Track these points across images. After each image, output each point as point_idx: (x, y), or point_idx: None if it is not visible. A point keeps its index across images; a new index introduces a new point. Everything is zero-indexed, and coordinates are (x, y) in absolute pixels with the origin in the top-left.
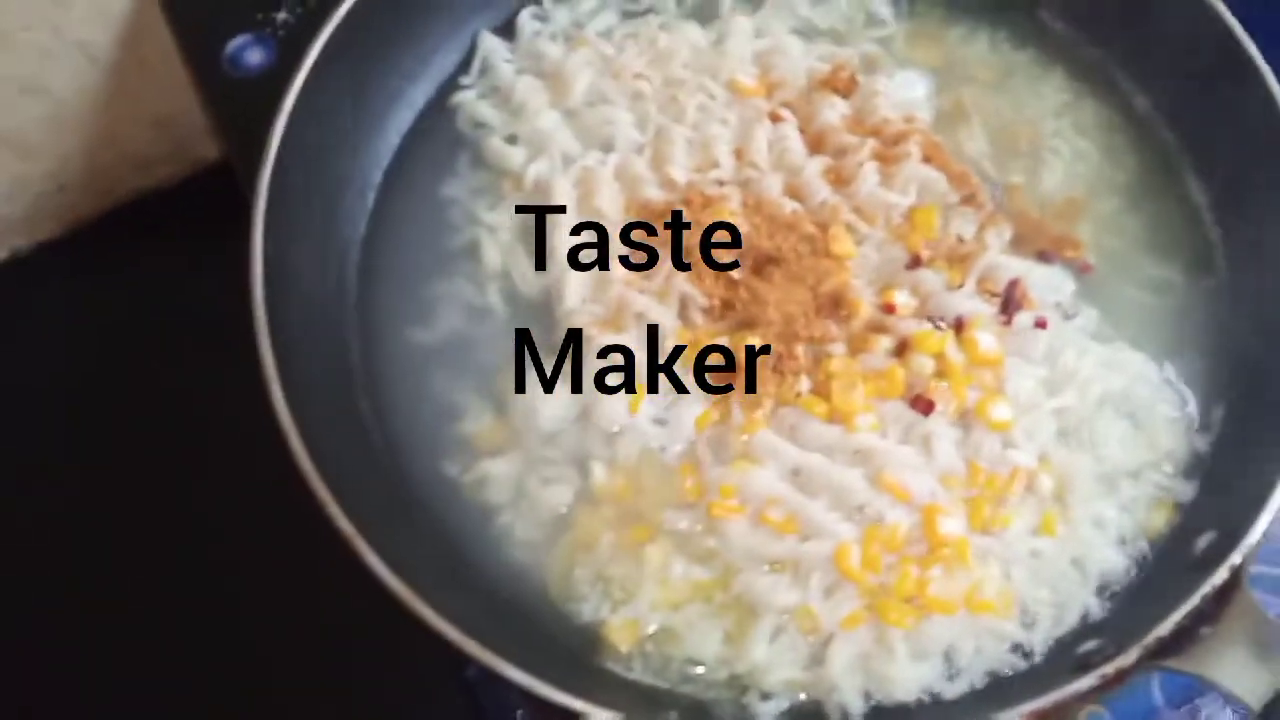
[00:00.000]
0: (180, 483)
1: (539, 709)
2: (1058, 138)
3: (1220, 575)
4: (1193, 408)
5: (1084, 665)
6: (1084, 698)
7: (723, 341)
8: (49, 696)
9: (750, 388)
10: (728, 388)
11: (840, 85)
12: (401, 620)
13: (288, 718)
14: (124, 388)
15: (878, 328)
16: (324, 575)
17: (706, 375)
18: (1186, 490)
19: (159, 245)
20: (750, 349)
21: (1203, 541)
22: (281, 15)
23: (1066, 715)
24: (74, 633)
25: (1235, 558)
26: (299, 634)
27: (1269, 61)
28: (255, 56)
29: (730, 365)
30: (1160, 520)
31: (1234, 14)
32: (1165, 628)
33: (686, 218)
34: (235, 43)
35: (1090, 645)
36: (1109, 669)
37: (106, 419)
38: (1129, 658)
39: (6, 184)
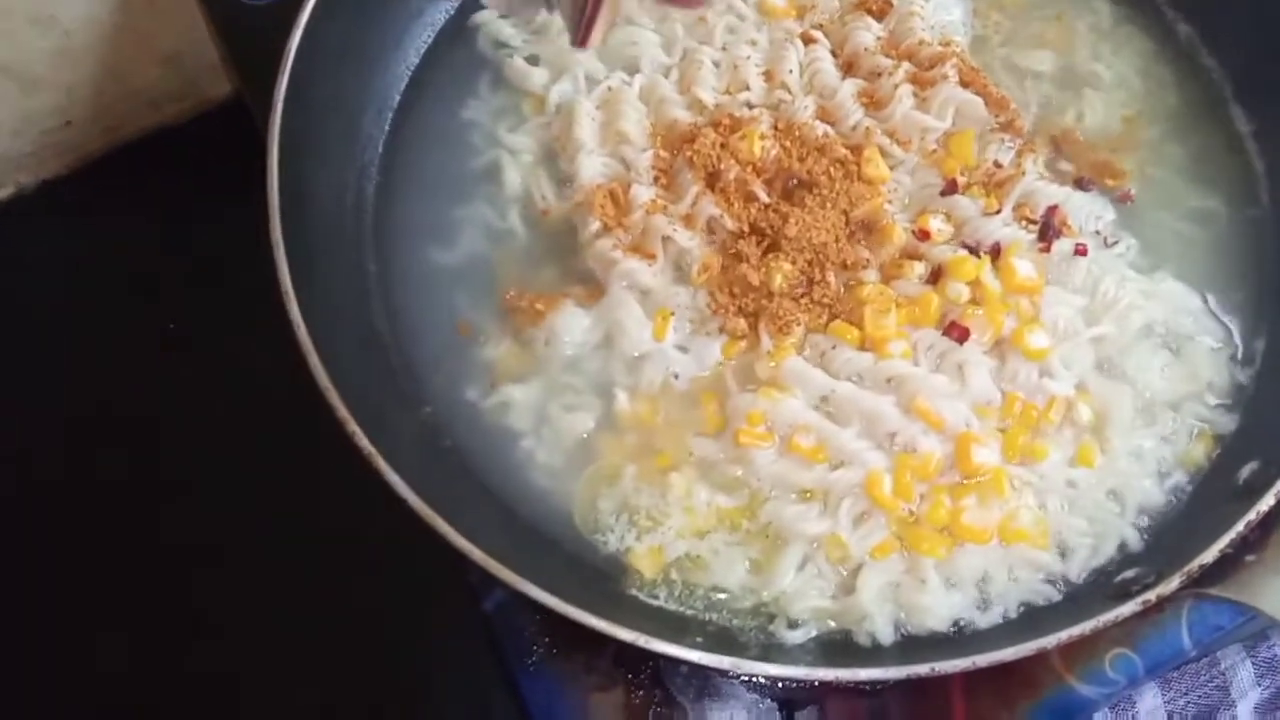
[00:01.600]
0: (194, 415)
1: (558, 640)
2: (1099, 63)
3: (1266, 502)
4: (1235, 339)
5: (1123, 593)
6: (1109, 635)
7: (752, 266)
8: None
9: (779, 315)
10: (756, 314)
11: (874, 7)
12: (419, 553)
13: (306, 655)
14: (128, 326)
15: (912, 254)
16: (341, 504)
17: (734, 301)
18: (1228, 422)
19: (166, 183)
20: (780, 273)
21: (1246, 471)
22: None
23: (1095, 656)
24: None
25: None
26: (319, 566)
27: None
28: None
29: (759, 291)
30: (1200, 452)
31: None
32: (1209, 555)
33: (715, 140)
34: None
35: (1130, 574)
36: (1150, 595)
37: (112, 357)
38: (1171, 585)
39: (12, 119)
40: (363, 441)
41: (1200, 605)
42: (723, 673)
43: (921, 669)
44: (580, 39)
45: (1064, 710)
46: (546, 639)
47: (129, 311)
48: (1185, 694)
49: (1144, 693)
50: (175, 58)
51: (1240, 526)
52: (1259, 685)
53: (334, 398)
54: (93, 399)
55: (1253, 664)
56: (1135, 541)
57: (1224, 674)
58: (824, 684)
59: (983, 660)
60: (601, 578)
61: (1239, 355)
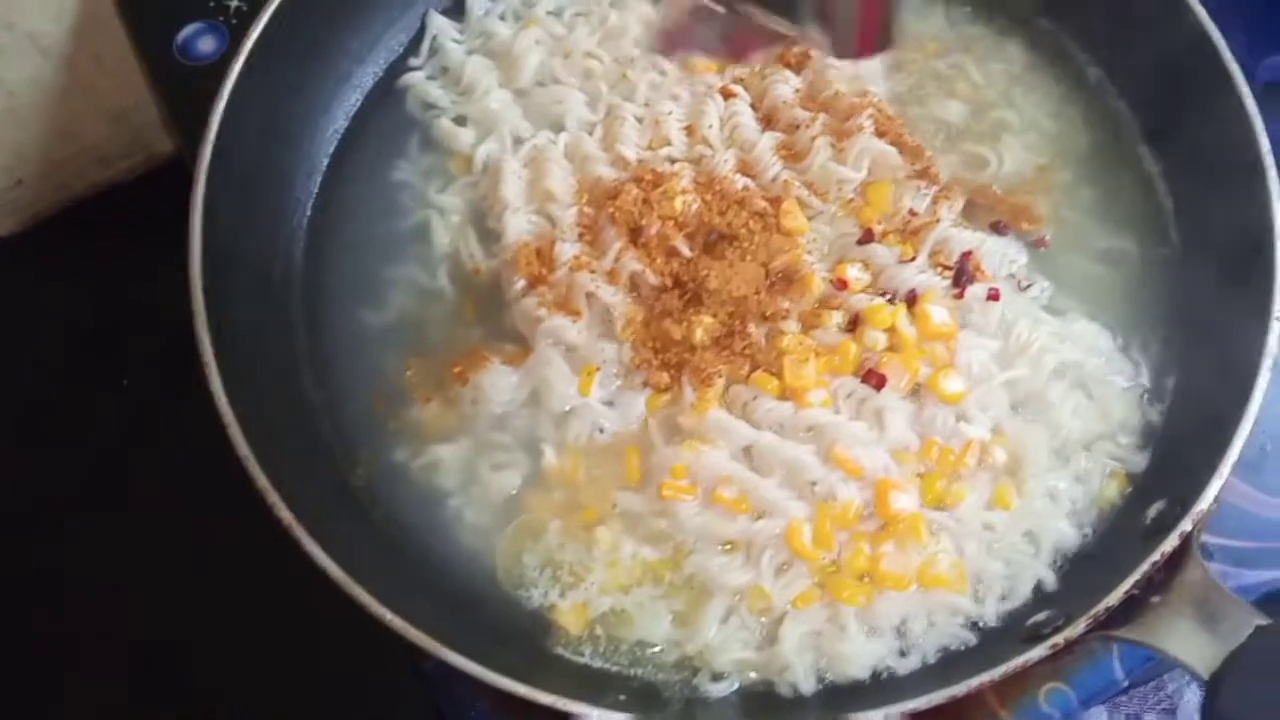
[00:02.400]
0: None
1: (496, 701)
2: (1011, 108)
3: (1170, 543)
4: (1145, 378)
5: (1034, 636)
6: (1040, 671)
7: (675, 320)
8: None
9: (702, 367)
10: (679, 367)
11: (792, 60)
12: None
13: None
14: (83, 382)
15: (830, 303)
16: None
17: (657, 355)
18: (1139, 460)
19: (118, 239)
20: (701, 327)
21: (1153, 510)
22: (234, 3)
23: (1027, 691)
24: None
25: (1185, 524)
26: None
27: (1221, 31)
28: (207, 44)
29: (681, 344)
30: (1113, 490)
31: None
32: (1114, 597)
33: (638, 196)
34: (187, 31)
35: (1041, 616)
36: (1059, 639)
37: (65, 412)
38: (1077, 628)
39: None
40: (283, 513)
41: None
42: None
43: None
44: (858, 49)
45: None
46: (484, 698)
47: (90, 362)
48: (1134, 717)
49: (1091, 716)
50: (124, 115)
51: (1145, 568)
52: None
53: (254, 467)
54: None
55: (1199, 687)
56: (1050, 582)
57: (1170, 697)
58: None
59: (899, 708)
60: (526, 636)
61: (1149, 394)
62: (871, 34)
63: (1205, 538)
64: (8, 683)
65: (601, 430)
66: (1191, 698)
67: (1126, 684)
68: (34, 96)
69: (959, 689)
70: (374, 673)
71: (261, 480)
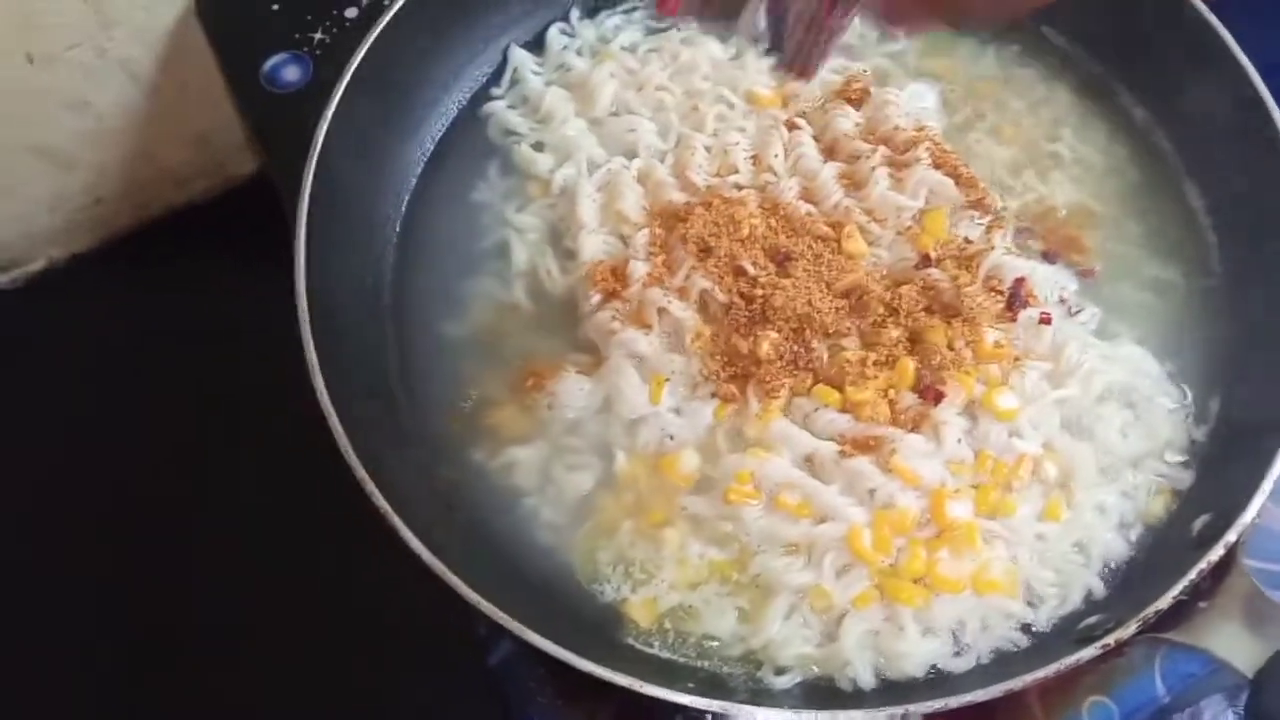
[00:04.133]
0: (211, 486)
1: (561, 692)
2: (1061, 145)
3: (1216, 553)
4: (1190, 400)
5: (1086, 639)
6: (1084, 684)
7: (741, 336)
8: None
9: (766, 380)
10: (745, 379)
11: (853, 96)
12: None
13: (317, 705)
14: (155, 397)
15: (889, 322)
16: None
17: (725, 368)
18: (1185, 478)
19: (191, 258)
20: (767, 341)
21: (1199, 523)
22: (318, 35)
23: (1071, 704)
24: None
25: (1231, 535)
26: (332, 623)
27: (1259, 71)
28: (292, 74)
29: (747, 358)
30: (1159, 506)
31: (1227, 28)
32: (1164, 601)
33: (707, 219)
34: (273, 61)
35: (1092, 620)
36: (1109, 640)
37: (136, 426)
38: (1128, 630)
39: (46, 196)
40: (381, 502)
41: (1172, 654)
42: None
43: (897, 710)
44: (800, 70)
45: None
46: (550, 690)
47: (156, 380)
48: None
49: None
50: (202, 139)
51: (1192, 575)
52: None
53: (354, 461)
54: (122, 467)
55: (1234, 714)
56: (1099, 590)
57: None
58: None
59: (954, 702)
60: (599, 628)
61: (1194, 415)
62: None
63: (1253, 562)
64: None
65: (671, 438)
66: None
67: (1168, 699)
68: (120, 120)
69: (1014, 684)
70: (439, 672)
71: (361, 472)
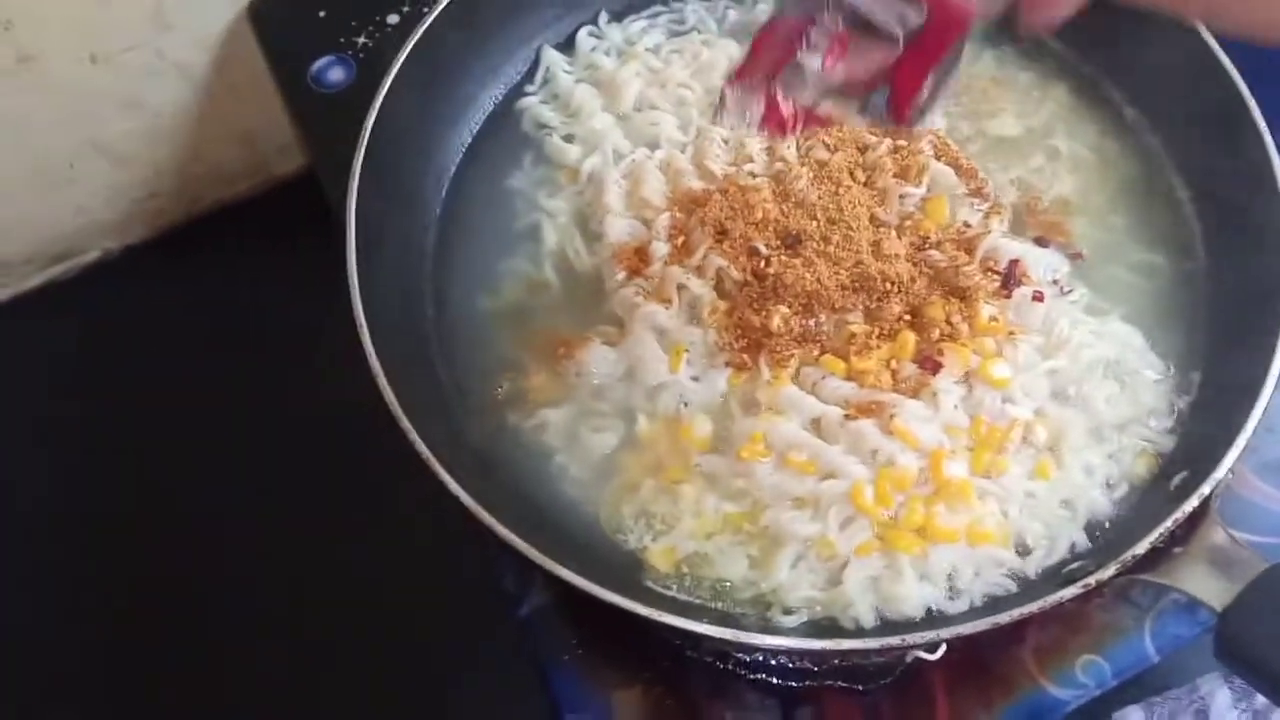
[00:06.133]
0: (261, 466)
1: (585, 640)
2: (1055, 140)
3: (1191, 504)
4: (1173, 372)
5: (1068, 580)
6: (1081, 637)
7: (754, 310)
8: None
9: (777, 350)
10: (757, 350)
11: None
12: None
13: (339, 654)
14: (207, 379)
15: (892, 298)
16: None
17: (738, 339)
18: (1167, 442)
19: (238, 251)
20: (778, 315)
21: (1177, 479)
22: (361, 39)
23: (1065, 661)
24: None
25: (1205, 489)
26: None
27: (1252, 78)
28: (337, 75)
29: (760, 331)
30: (1143, 468)
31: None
32: (1141, 547)
33: (723, 204)
34: (319, 63)
35: (1075, 565)
36: (1090, 580)
37: (191, 410)
38: (1107, 571)
39: (104, 190)
40: (425, 452)
41: (1161, 616)
42: (726, 646)
43: (893, 640)
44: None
45: (1038, 711)
46: (574, 640)
47: (206, 366)
48: (1168, 718)
49: (1128, 716)
50: (250, 138)
51: (1169, 523)
52: (1236, 709)
53: (402, 419)
54: (168, 450)
55: (1229, 690)
56: (1084, 543)
57: (1204, 698)
58: (819, 668)
59: (945, 633)
60: (623, 571)
61: (1177, 386)
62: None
63: (1235, 533)
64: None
65: (686, 404)
66: (1224, 699)
67: (1157, 659)
68: (175, 120)
69: (1002, 617)
70: (469, 628)
71: (411, 433)
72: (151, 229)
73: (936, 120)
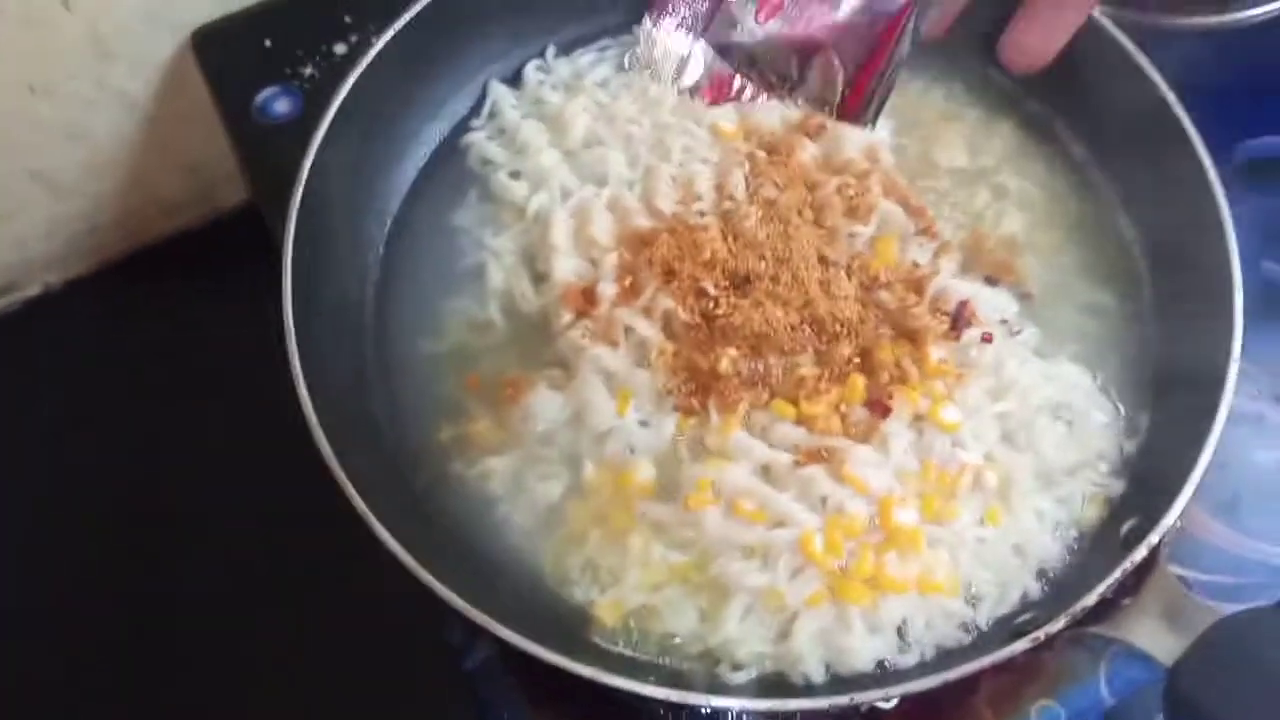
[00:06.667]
0: (197, 503)
1: (533, 696)
2: (1003, 178)
3: (1140, 554)
4: (1122, 415)
5: (1019, 633)
6: (1035, 683)
7: (702, 353)
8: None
9: (726, 394)
10: (705, 393)
11: (810, 129)
12: (405, 620)
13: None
14: (149, 416)
15: (841, 340)
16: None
17: (686, 383)
18: (1116, 486)
19: (182, 283)
20: (726, 358)
21: (1126, 527)
22: (308, 70)
23: (1020, 707)
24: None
25: (1154, 538)
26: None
27: (1198, 113)
28: (283, 106)
29: (708, 374)
30: (1093, 513)
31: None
32: (1090, 599)
33: (671, 244)
34: (265, 93)
35: (1026, 617)
36: (1039, 634)
37: (127, 445)
38: (1057, 624)
39: (43, 223)
40: (360, 505)
41: (1115, 659)
42: (673, 706)
43: (842, 699)
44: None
45: None
46: (522, 693)
47: (150, 400)
48: None
49: None
50: (193, 169)
51: (1118, 574)
52: None
53: (337, 471)
54: (112, 486)
55: None
56: (1035, 591)
57: None
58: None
59: (895, 691)
60: (568, 627)
61: (1125, 428)
62: (864, 105)
63: (1187, 572)
64: None
65: (632, 450)
66: None
67: (1113, 702)
68: (117, 151)
69: (953, 674)
70: (415, 679)
71: (346, 484)
72: (90, 264)
73: (885, 155)
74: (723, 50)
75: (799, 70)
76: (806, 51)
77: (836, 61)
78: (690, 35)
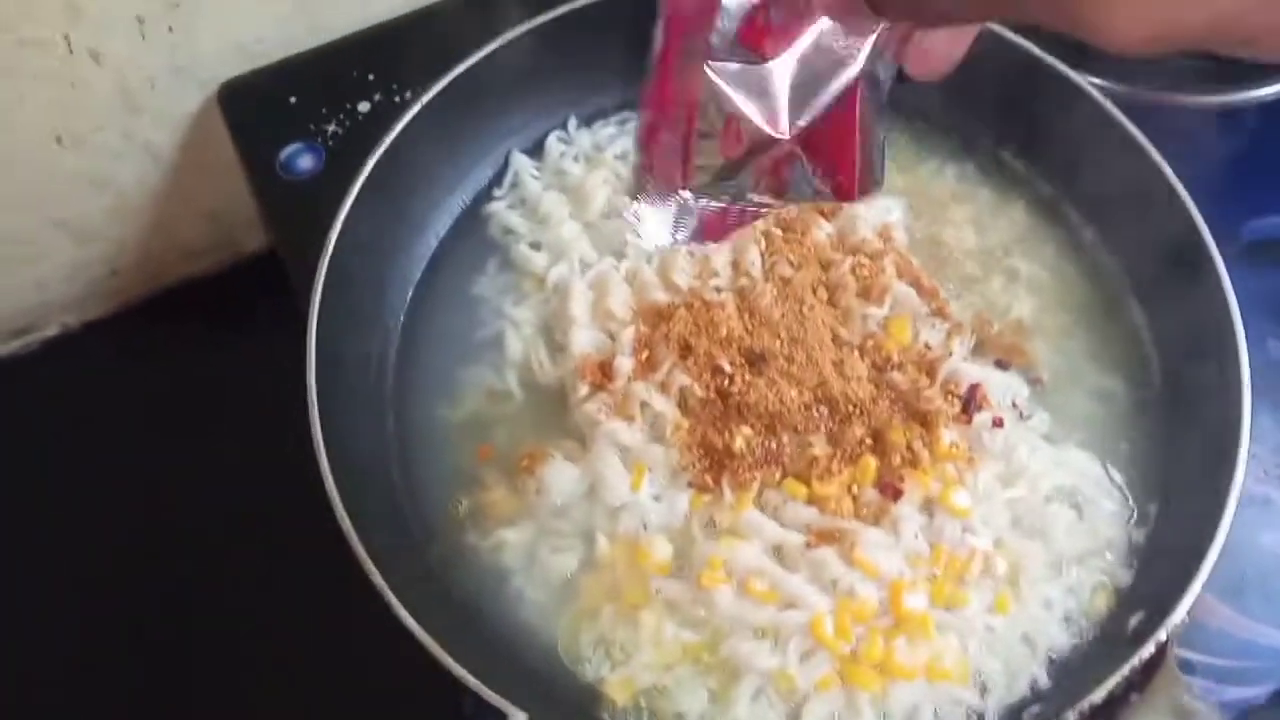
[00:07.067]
0: (211, 556)
1: None
2: (1013, 260)
3: (1147, 650)
4: (1131, 503)
5: None
6: None
7: (716, 431)
8: None
9: (739, 472)
10: (720, 471)
11: (825, 209)
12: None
13: None
14: (163, 457)
15: (854, 420)
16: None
17: (701, 459)
18: (1125, 576)
19: (200, 327)
20: (740, 436)
21: (1134, 620)
22: (331, 127)
23: None
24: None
25: (1161, 634)
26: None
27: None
28: (306, 162)
29: (722, 451)
30: (1101, 602)
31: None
32: (1097, 695)
33: (688, 319)
34: (289, 150)
35: (1034, 709)
36: None
37: (142, 488)
38: None
39: (65, 267)
40: (377, 579)
41: None
42: None
43: None
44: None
45: None
46: None
47: (167, 442)
48: None
49: None
50: (215, 215)
51: (1124, 671)
52: None
53: (355, 543)
54: (126, 532)
55: None
56: (1044, 680)
57: None
58: None
59: None
60: (579, 705)
61: (1135, 517)
62: (861, 179)
63: (1191, 655)
64: None
65: (645, 526)
66: None
67: None
68: (140, 198)
69: None
70: None
71: (361, 552)
72: (110, 306)
73: (898, 234)
74: (706, 192)
75: (784, 183)
76: (781, 169)
77: (810, 165)
78: (670, 198)
